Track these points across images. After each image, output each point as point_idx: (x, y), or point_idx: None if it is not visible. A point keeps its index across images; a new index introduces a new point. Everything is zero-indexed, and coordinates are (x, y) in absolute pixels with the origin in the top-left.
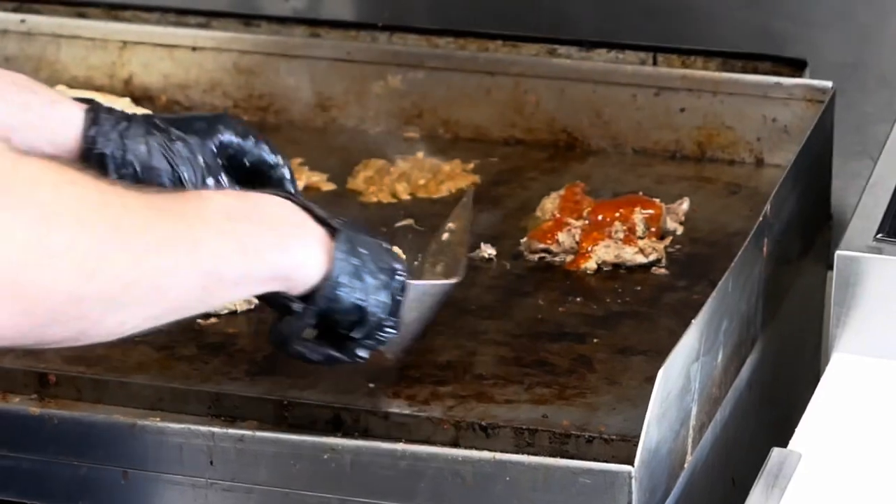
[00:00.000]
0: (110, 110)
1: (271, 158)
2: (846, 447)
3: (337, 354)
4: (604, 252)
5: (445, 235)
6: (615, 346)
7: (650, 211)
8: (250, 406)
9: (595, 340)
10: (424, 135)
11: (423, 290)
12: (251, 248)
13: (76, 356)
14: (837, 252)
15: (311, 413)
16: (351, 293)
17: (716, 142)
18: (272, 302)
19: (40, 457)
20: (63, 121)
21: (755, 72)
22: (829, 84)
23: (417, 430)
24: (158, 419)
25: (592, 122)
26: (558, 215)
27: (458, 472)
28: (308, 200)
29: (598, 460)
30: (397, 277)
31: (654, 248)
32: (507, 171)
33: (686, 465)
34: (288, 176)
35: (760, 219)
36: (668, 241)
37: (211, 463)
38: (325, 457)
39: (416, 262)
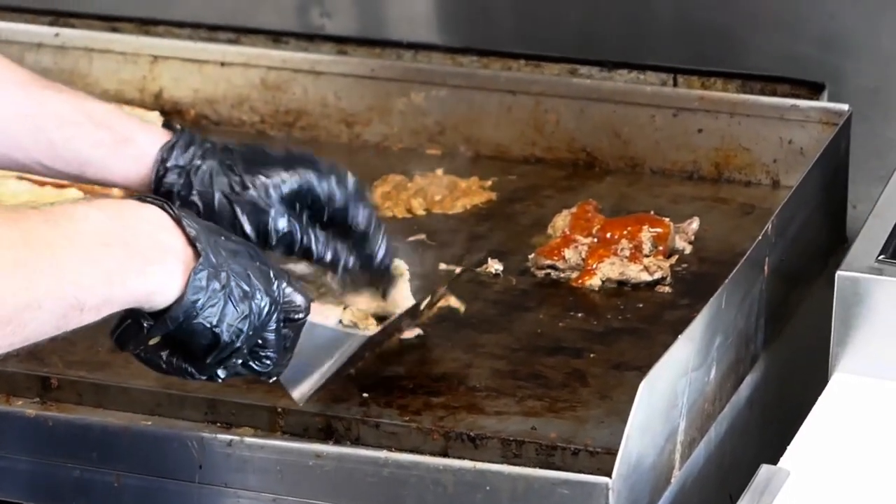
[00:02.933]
0: (189, 143)
1: (361, 223)
2: (836, 466)
3: (191, 370)
4: (609, 269)
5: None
6: (610, 361)
7: (658, 229)
8: (245, 413)
9: (591, 355)
10: (446, 152)
11: (333, 335)
12: (116, 275)
13: (79, 361)
14: (838, 272)
15: (304, 421)
16: (204, 318)
17: (733, 163)
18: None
19: (35, 458)
20: (134, 160)
21: (774, 94)
22: (844, 107)
23: (407, 440)
24: (150, 423)
25: (611, 142)
26: (568, 233)
27: (440, 480)
28: (185, 214)
29: (584, 472)
30: (293, 315)
31: (658, 267)
32: (524, 189)
33: (673, 480)
34: (377, 248)
35: (760, 237)
36: (673, 259)
37: (200, 467)
38: (311, 463)
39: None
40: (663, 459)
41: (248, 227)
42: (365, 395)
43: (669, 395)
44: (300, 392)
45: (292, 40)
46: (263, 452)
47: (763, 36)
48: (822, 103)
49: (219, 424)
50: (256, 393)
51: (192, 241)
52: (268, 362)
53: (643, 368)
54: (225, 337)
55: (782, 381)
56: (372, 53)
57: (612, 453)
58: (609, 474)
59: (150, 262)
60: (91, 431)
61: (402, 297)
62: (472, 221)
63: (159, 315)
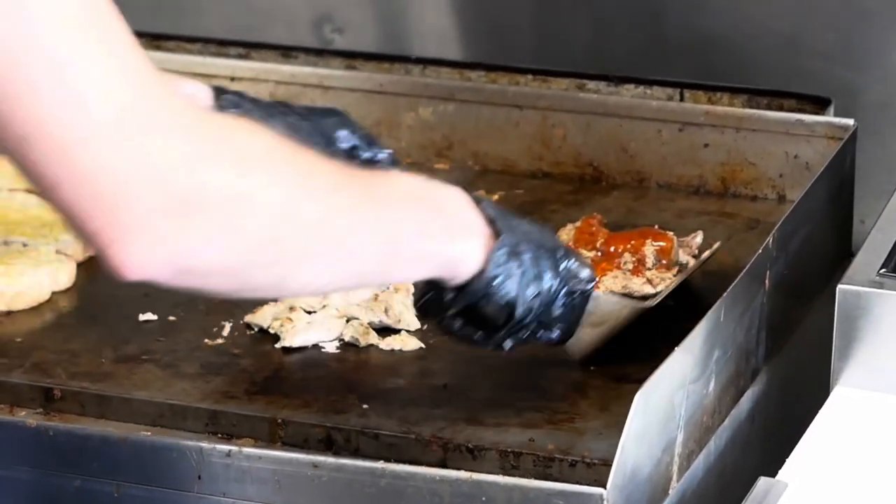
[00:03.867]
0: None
1: (382, 156)
2: (835, 479)
3: (482, 338)
4: (611, 282)
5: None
6: (611, 374)
7: (662, 243)
8: (246, 424)
9: (592, 368)
10: (454, 166)
11: (614, 303)
12: (427, 232)
13: (83, 372)
14: (839, 286)
15: (304, 432)
16: (501, 295)
17: (739, 177)
18: (428, 282)
19: (36, 469)
20: (194, 90)
21: (780, 109)
22: (850, 122)
23: (406, 451)
24: (150, 433)
25: (618, 157)
26: (572, 246)
27: (437, 491)
28: (482, 198)
29: (581, 483)
30: (579, 288)
31: (662, 279)
32: (531, 203)
33: (671, 492)
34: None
35: (760, 251)
36: (675, 270)
37: (199, 477)
38: (309, 473)
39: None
40: (661, 471)
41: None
42: (365, 406)
43: (666, 406)
44: (579, 351)
45: (301, 55)
46: (261, 463)
47: (771, 51)
48: (828, 118)
49: (220, 435)
50: (257, 404)
51: (490, 221)
52: (556, 332)
53: (643, 381)
54: (519, 312)
55: (785, 395)
56: (381, 68)
57: (608, 465)
58: (605, 485)
59: (454, 230)
60: (91, 441)
61: (406, 310)
62: None
63: (459, 289)
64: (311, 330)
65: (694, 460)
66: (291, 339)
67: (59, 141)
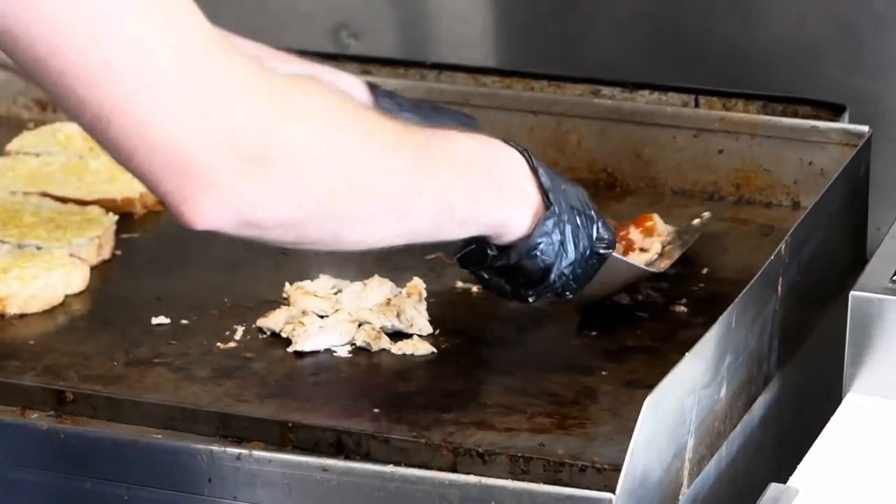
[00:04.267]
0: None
1: None
2: (847, 486)
3: (509, 290)
4: None
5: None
6: (622, 379)
7: (646, 224)
8: (257, 427)
9: (603, 373)
10: None
11: (619, 265)
12: (479, 194)
13: (95, 375)
14: (852, 293)
15: (315, 436)
16: (540, 260)
17: (753, 184)
18: (471, 238)
19: (47, 471)
20: (350, 84)
21: (795, 115)
22: (864, 128)
23: (416, 455)
24: (160, 436)
25: (632, 163)
26: None
27: (445, 495)
28: (541, 164)
29: (591, 488)
30: (600, 252)
31: (651, 243)
32: None
33: (682, 498)
34: None
35: (772, 257)
36: (667, 237)
37: (210, 480)
38: (318, 477)
39: None
40: (671, 476)
41: None
42: (376, 410)
43: (677, 412)
44: (579, 300)
45: (317, 60)
46: (271, 466)
47: (788, 58)
48: (842, 125)
49: (230, 439)
50: (268, 408)
51: (543, 190)
52: (572, 290)
53: (655, 387)
54: (552, 278)
55: (797, 401)
56: (396, 73)
57: (618, 470)
58: (614, 491)
59: (506, 195)
60: (102, 444)
61: (419, 315)
62: None
63: (501, 248)
64: (322, 334)
65: (705, 466)
66: (303, 343)
67: (132, 117)
